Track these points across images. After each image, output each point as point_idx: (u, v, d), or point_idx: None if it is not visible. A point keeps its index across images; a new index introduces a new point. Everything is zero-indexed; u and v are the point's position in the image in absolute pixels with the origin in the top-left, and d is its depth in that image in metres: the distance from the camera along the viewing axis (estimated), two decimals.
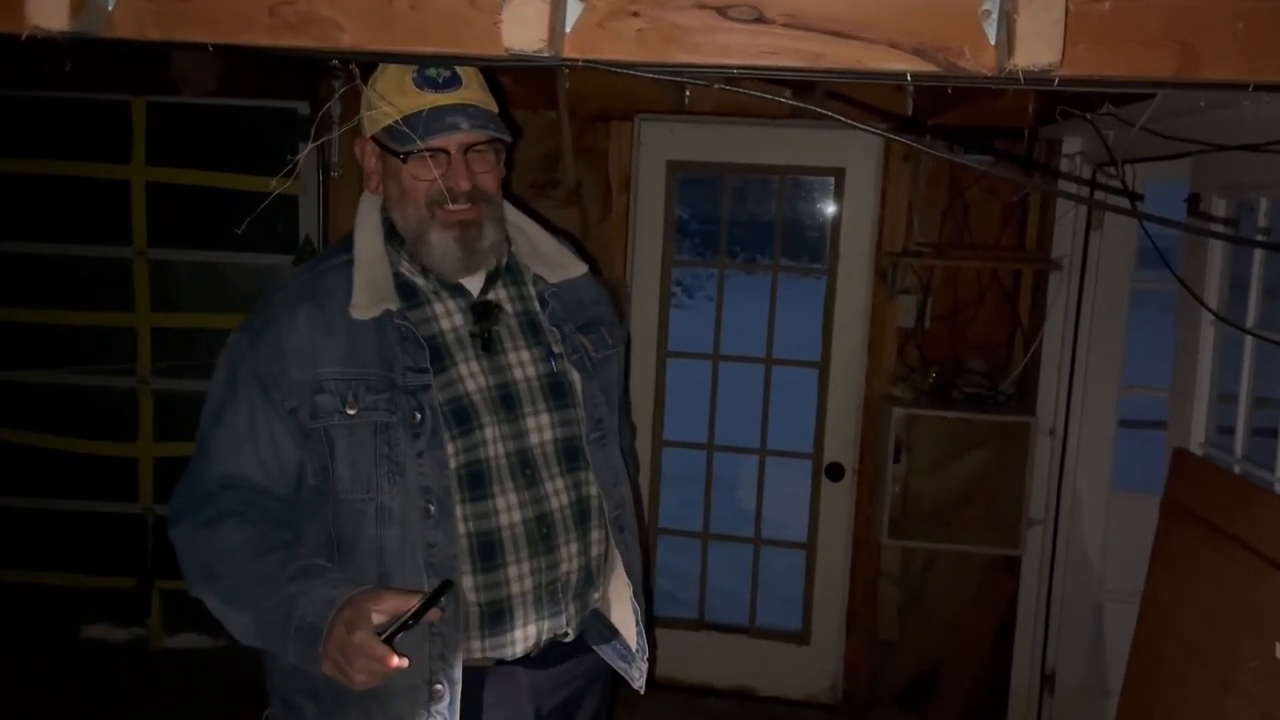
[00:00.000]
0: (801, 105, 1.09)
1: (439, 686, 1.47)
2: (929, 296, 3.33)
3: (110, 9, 0.92)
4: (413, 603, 1.34)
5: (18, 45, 0.96)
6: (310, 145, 1.37)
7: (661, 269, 3.50)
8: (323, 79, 3.11)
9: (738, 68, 0.99)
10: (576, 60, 0.94)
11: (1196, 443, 2.55)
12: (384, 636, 1.31)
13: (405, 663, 1.31)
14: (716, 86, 1.07)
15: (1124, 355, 3.12)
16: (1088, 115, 1.45)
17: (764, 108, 3.25)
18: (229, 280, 3.62)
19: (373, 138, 1.55)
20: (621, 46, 0.96)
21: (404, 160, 1.50)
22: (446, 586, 1.40)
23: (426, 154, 1.49)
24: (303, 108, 3.31)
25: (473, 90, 1.54)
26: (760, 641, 3.63)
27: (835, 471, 3.49)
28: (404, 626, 1.31)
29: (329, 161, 3.35)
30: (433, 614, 1.36)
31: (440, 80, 1.50)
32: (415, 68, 1.49)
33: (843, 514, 3.50)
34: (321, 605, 1.38)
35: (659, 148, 3.42)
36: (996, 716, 3.34)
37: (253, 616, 1.45)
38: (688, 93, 3.26)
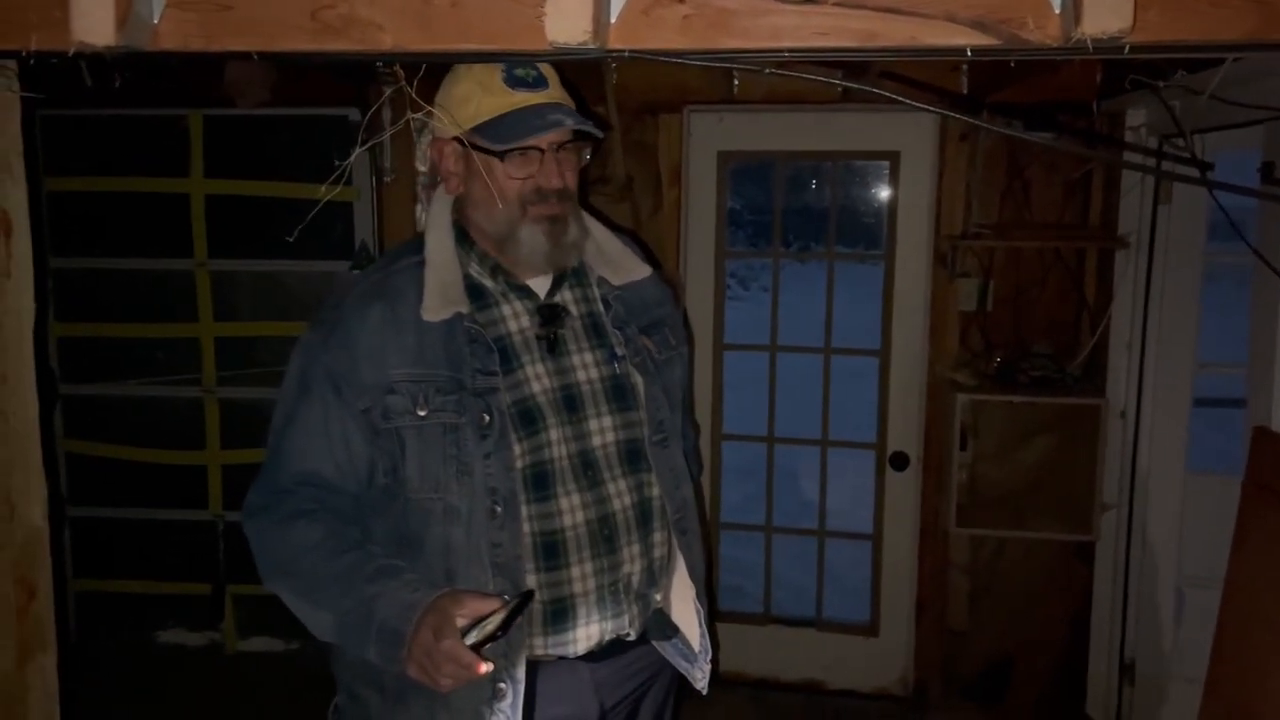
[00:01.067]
0: (855, 86, 1.06)
1: (502, 685, 1.48)
2: (990, 279, 3.25)
3: (154, 22, 0.92)
4: (493, 606, 1.36)
5: (71, 64, 0.96)
6: (357, 150, 1.36)
7: (715, 261, 3.47)
8: (372, 84, 3.13)
9: (788, 51, 0.95)
10: (622, 51, 0.92)
11: (1278, 421, 2.45)
12: (471, 644, 1.32)
13: (491, 667, 1.33)
14: (768, 72, 1.04)
15: (1197, 332, 3.02)
16: (1161, 84, 1.39)
17: (815, 93, 3.21)
18: (287, 288, 3.67)
19: (456, 138, 1.54)
20: (667, 35, 0.94)
21: (502, 158, 1.50)
22: (529, 596, 1.42)
23: (524, 152, 1.50)
24: (353, 114, 3.33)
25: (556, 89, 1.56)
26: (827, 634, 3.59)
27: (899, 460, 3.43)
28: (493, 637, 1.32)
29: (381, 166, 3.38)
30: (516, 621, 1.36)
31: (530, 80, 1.52)
32: (501, 68, 1.50)
33: (908, 503, 3.44)
34: (403, 608, 1.40)
35: (709, 139, 3.39)
36: (1074, 707, 3.26)
37: (331, 615, 1.47)
38: (736, 82, 3.22)
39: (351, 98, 3.28)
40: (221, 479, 3.73)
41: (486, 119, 1.50)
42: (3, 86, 0.99)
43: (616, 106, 3.23)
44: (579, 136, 1.56)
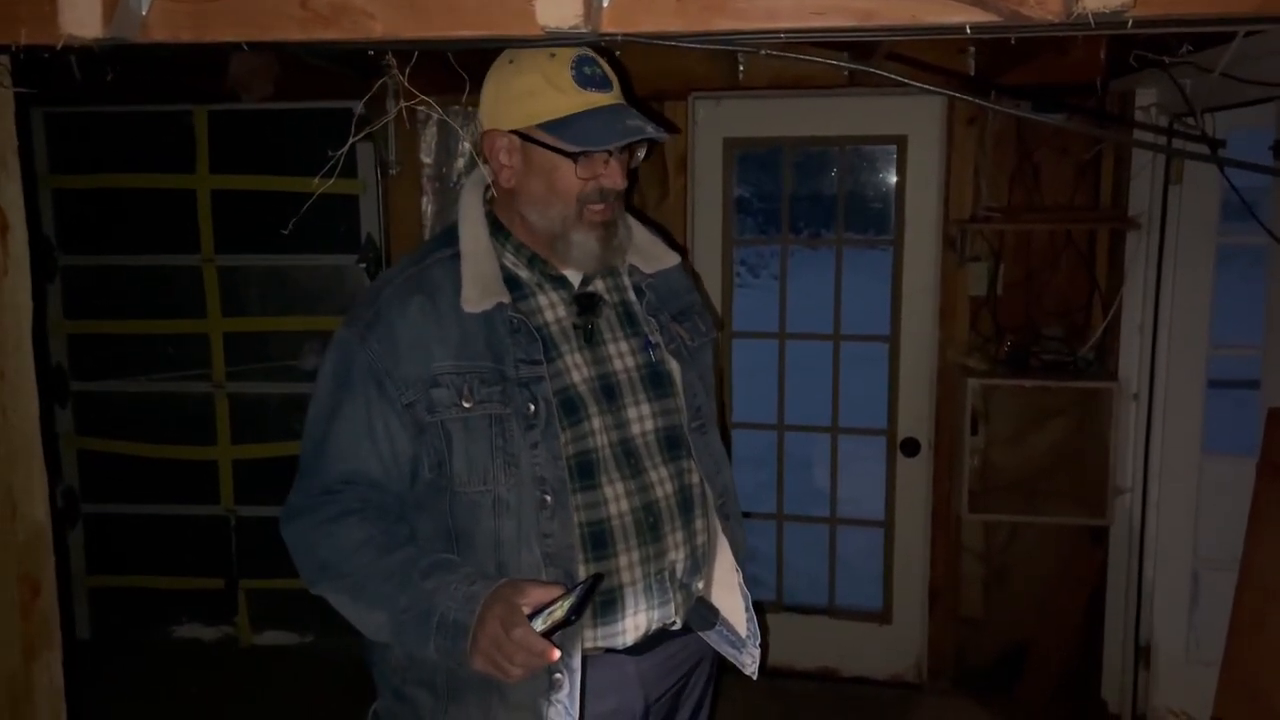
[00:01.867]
0: (859, 68, 1.04)
1: (559, 675, 1.47)
2: (1000, 263, 3.23)
3: (143, 13, 0.91)
4: (555, 594, 1.35)
5: (63, 59, 0.96)
6: (351, 140, 1.35)
7: (722, 248, 3.45)
8: (375, 77, 3.11)
9: (785, 32, 0.94)
10: (615, 35, 0.90)
11: None
12: (541, 631, 1.31)
13: (558, 654, 1.33)
14: (764, 54, 1.03)
15: (1211, 313, 2.99)
16: (1165, 59, 1.36)
17: (821, 78, 3.18)
18: (295, 282, 3.67)
19: (515, 132, 1.51)
20: (661, 18, 0.92)
21: (575, 159, 1.49)
22: (599, 580, 1.42)
23: (595, 154, 1.49)
24: (358, 107, 3.31)
25: (618, 90, 1.54)
26: (840, 622, 3.58)
27: (910, 446, 3.41)
28: (565, 623, 1.31)
29: (386, 160, 3.37)
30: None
31: (598, 80, 1.50)
32: (570, 64, 1.47)
33: (920, 489, 3.43)
34: (464, 601, 1.39)
35: (715, 126, 3.37)
36: (1090, 692, 3.24)
37: (386, 613, 1.45)
38: (741, 68, 3.20)
39: (357, 91, 3.27)
40: (232, 474, 3.74)
41: (556, 117, 1.47)
42: None
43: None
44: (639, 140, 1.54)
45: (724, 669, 1.81)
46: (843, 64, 1.13)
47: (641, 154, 1.59)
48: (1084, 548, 3.29)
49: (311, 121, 3.45)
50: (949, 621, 3.42)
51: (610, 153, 1.50)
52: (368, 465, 1.51)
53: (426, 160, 3.41)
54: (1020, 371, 3.13)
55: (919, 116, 3.24)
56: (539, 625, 1.31)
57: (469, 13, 0.90)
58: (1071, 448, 3.27)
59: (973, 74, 3.02)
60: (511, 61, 1.51)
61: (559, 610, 1.31)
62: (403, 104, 1.30)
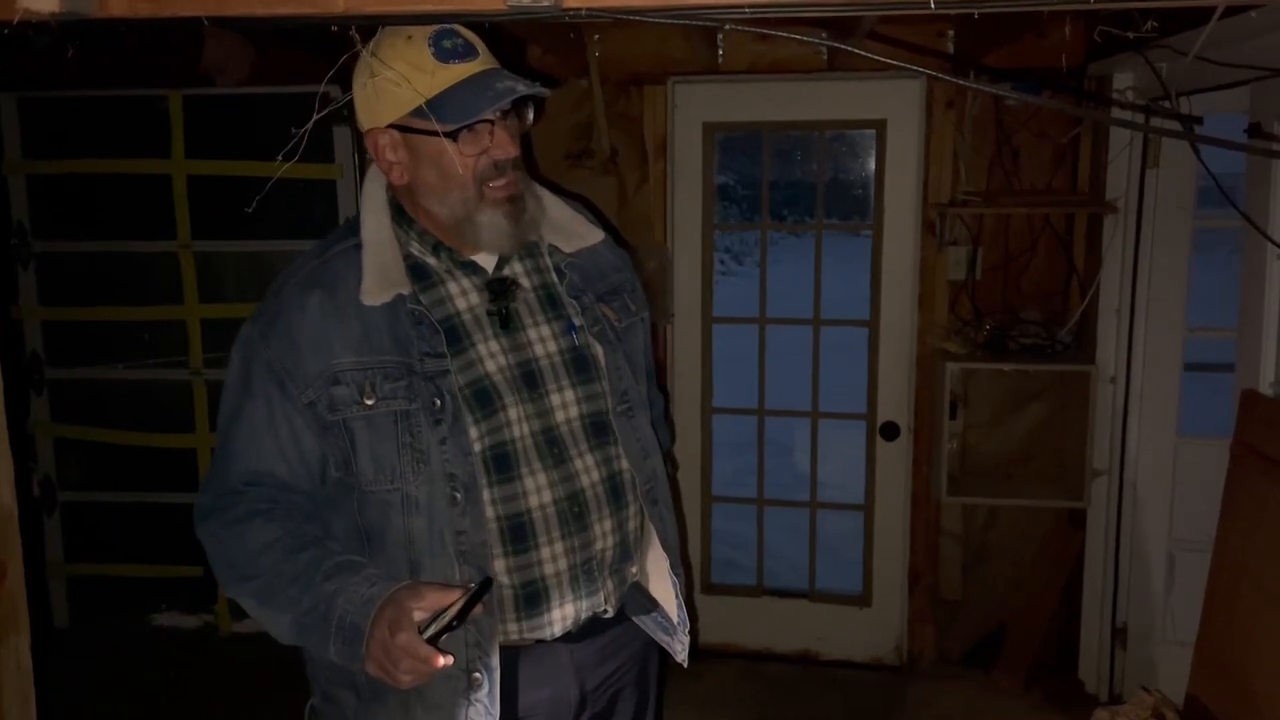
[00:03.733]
0: (838, 45, 1.03)
1: (477, 675, 1.44)
2: (979, 247, 3.24)
3: None
4: (453, 597, 1.32)
5: (19, 36, 0.94)
6: (314, 118, 1.33)
7: (703, 234, 3.44)
8: (349, 62, 3.09)
9: (753, 6, 0.93)
10: (579, 10, 0.89)
11: (1266, 383, 2.45)
12: (427, 637, 1.29)
13: (451, 660, 1.29)
14: (727, 28, 1.02)
15: (1187, 297, 3.01)
16: (1130, 34, 1.36)
17: (800, 61, 3.18)
18: (273, 268, 3.62)
19: (393, 125, 1.46)
20: None
21: (454, 137, 1.42)
22: (488, 584, 1.38)
23: (473, 127, 1.42)
24: (335, 90, 3.29)
25: (488, 56, 1.46)
26: (821, 605, 3.59)
27: (890, 430, 3.42)
28: (449, 628, 1.29)
29: (362, 144, 3.34)
30: (476, 610, 1.33)
31: (460, 50, 1.42)
32: (428, 43, 1.40)
33: (900, 473, 3.44)
34: (361, 603, 1.36)
35: (694, 110, 3.36)
36: (1067, 673, 3.27)
37: (290, 616, 1.42)
38: (721, 51, 3.19)
39: (334, 74, 3.25)
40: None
41: (427, 99, 1.39)
42: None
43: (599, 78, 3.20)
44: (521, 100, 1.47)
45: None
46: (822, 41, 1.11)
47: (530, 116, 1.51)
48: (1062, 530, 3.31)
49: (288, 106, 3.41)
50: (929, 604, 3.44)
51: (491, 121, 1.43)
52: (274, 466, 1.47)
53: None
54: (999, 355, 3.14)
55: (898, 100, 3.24)
56: (429, 630, 1.29)
57: None
58: (1050, 431, 3.28)
59: (952, 55, 3.02)
60: (373, 54, 1.44)
61: (448, 614, 1.29)
62: (369, 79, 1.28)
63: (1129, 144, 2.95)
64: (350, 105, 1.55)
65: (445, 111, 1.40)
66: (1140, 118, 2.77)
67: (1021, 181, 3.21)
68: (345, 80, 1.48)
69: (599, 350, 1.59)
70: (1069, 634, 3.28)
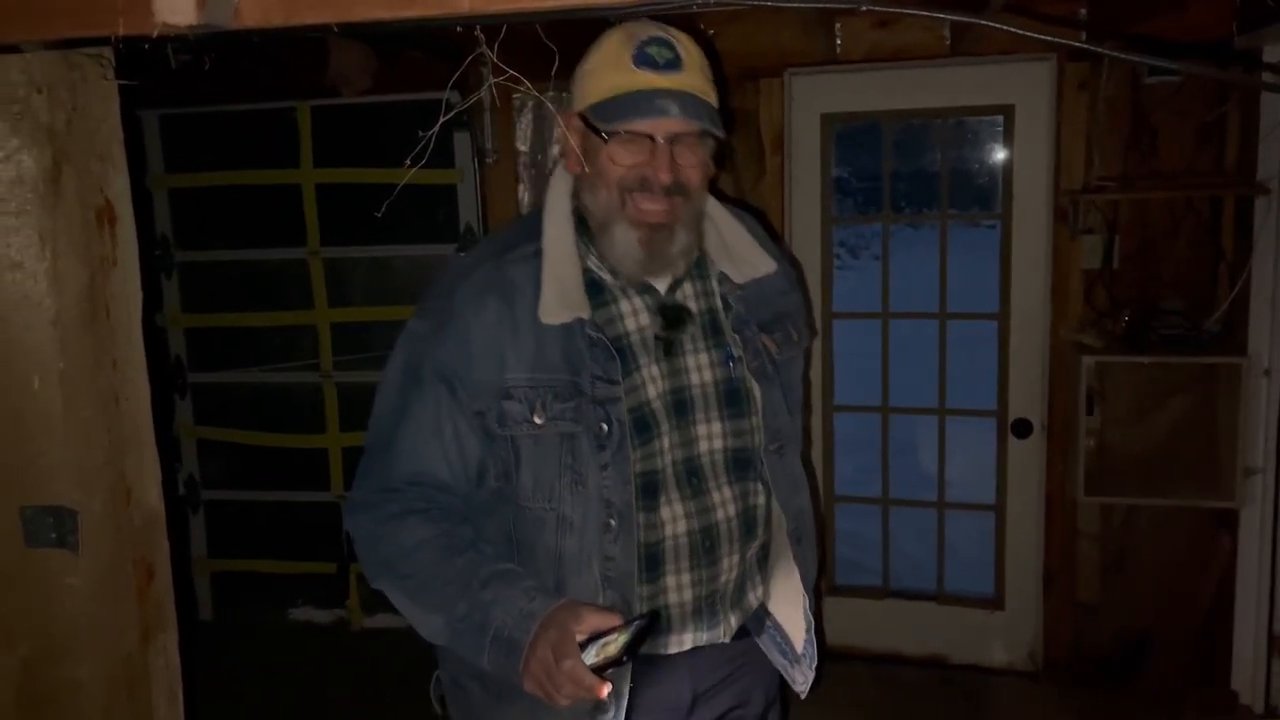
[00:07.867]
0: (973, 20, 0.97)
1: (606, 703, 1.43)
2: (1115, 234, 3.08)
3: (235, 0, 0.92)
4: (612, 622, 1.30)
5: (158, 48, 0.97)
6: (440, 122, 1.33)
7: (821, 228, 3.38)
8: (471, 66, 3.14)
9: None
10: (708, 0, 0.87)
11: None
12: (591, 665, 1.27)
13: (611, 689, 1.28)
14: (865, 8, 0.97)
15: None
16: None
17: (921, 48, 3.09)
18: (397, 272, 3.74)
19: (579, 114, 1.46)
20: None
21: (606, 140, 1.41)
22: (655, 619, 1.36)
23: (632, 137, 1.40)
24: (454, 97, 3.35)
25: (693, 77, 1.42)
26: (950, 608, 3.48)
27: (1022, 428, 3.29)
28: (618, 662, 1.26)
29: (482, 148, 3.39)
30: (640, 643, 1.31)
31: (661, 61, 1.39)
32: (636, 44, 1.40)
33: (1033, 472, 3.31)
34: (520, 618, 1.35)
35: (812, 102, 3.30)
36: (1219, 684, 3.09)
37: (444, 618, 1.42)
38: (839, 40, 3.12)
39: (454, 80, 3.31)
40: (342, 461, 3.84)
41: (603, 98, 1.40)
42: (99, 75, 1.01)
43: None
44: (703, 131, 1.43)
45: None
46: (946, 15, 1.06)
47: (707, 150, 1.46)
48: (1209, 531, 3.13)
49: (410, 113, 3.49)
50: (1065, 608, 3.29)
51: (653, 139, 1.39)
52: (435, 467, 1.47)
53: (522, 148, 3.42)
54: (1138, 347, 2.99)
55: (1026, 84, 3.11)
56: (591, 658, 1.26)
57: None
58: (1195, 427, 3.10)
59: (1085, 34, 2.89)
60: (599, 40, 1.45)
61: (613, 646, 1.26)
62: (492, 80, 1.28)
63: None
64: (470, 110, 1.55)
65: (609, 113, 1.40)
66: None
67: (1161, 164, 3.04)
68: (465, 86, 1.48)
69: (754, 386, 1.55)
70: (1220, 642, 3.10)
